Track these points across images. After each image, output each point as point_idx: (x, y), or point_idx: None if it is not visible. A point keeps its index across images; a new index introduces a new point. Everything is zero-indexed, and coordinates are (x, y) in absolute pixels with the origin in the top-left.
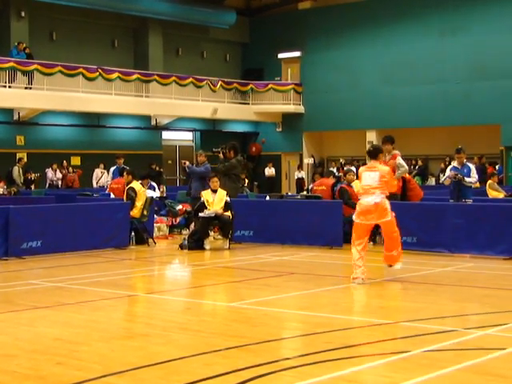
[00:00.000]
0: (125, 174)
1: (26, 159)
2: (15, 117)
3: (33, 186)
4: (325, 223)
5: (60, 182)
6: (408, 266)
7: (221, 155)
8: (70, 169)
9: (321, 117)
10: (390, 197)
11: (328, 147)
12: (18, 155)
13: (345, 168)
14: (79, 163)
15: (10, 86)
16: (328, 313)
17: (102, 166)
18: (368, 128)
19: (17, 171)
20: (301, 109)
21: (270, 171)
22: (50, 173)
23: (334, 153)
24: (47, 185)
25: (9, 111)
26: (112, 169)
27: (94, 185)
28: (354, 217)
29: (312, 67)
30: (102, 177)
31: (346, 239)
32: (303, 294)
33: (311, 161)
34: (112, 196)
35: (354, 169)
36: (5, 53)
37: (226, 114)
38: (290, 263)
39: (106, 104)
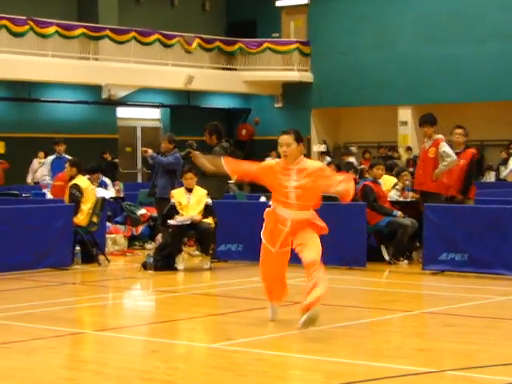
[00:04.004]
0: (67, 165)
1: None
2: None
3: None
4: (342, 234)
5: None
6: (456, 293)
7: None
8: None
9: (336, 88)
10: (434, 198)
11: (346, 129)
12: None
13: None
14: (3, 151)
15: None
16: (347, 358)
17: (41, 154)
18: (401, 103)
19: None
20: (308, 77)
21: None
22: None
23: (353, 137)
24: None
25: None
26: (49, 159)
27: (29, 180)
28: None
29: (324, 19)
30: (38, 170)
31: (371, 256)
32: (312, 332)
33: (323, 148)
34: (49, 196)
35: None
36: None
37: (205, 84)
38: (294, 289)
39: (40, 69)
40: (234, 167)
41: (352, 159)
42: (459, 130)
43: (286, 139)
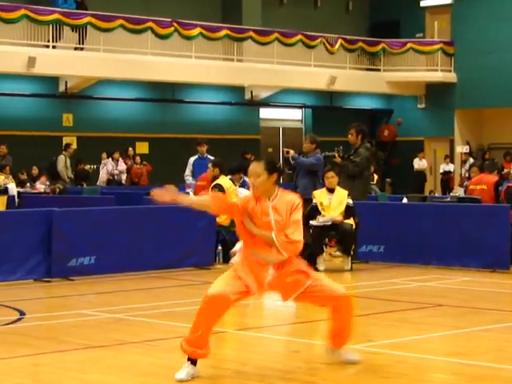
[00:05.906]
0: (210, 165)
1: (75, 145)
2: (61, 88)
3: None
4: (485, 236)
5: (124, 177)
6: None
7: (337, 157)
8: (137, 158)
9: (481, 88)
10: None
11: (489, 130)
12: (65, 140)
13: None
14: (147, 151)
15: (54, 47)
16: (491, 361)
17: (104, 155)
18: None
19: (63, 162)
20: (452, 77)
21: (420, 164)
22: (109, 164)
23: (498, 138)
24: (106, 180)
25: (53, 80)
26: (192, 159)
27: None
28: None
29: (468, 19)
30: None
31: None
32: (455, 335)
33: (465, 149)
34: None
35: None
36: (48, 1)
37: (347, 85)
38: (436, 291)
39: (184, 71)
40: (217, 203)
41: None
42: None
43: (254, 168)
